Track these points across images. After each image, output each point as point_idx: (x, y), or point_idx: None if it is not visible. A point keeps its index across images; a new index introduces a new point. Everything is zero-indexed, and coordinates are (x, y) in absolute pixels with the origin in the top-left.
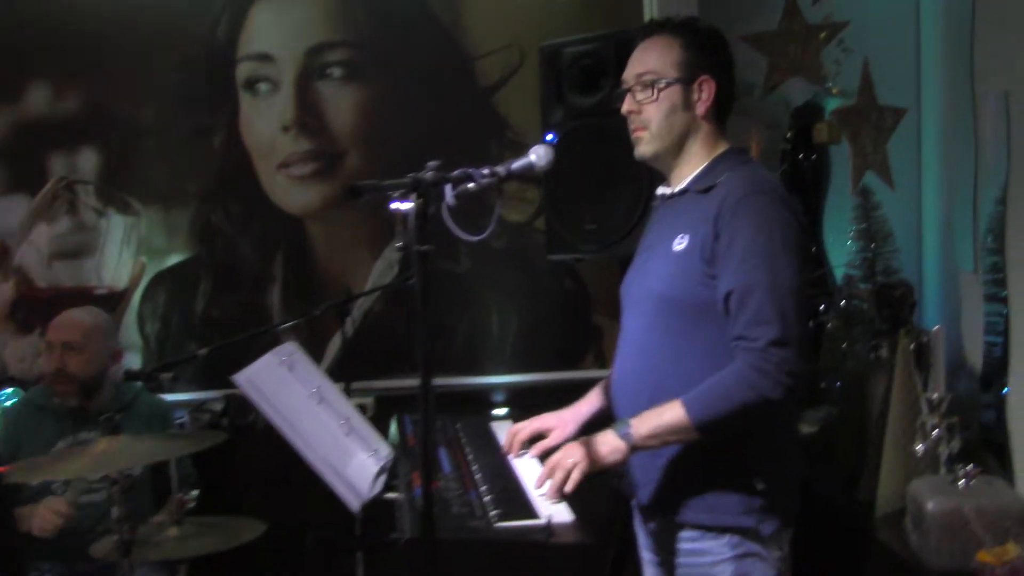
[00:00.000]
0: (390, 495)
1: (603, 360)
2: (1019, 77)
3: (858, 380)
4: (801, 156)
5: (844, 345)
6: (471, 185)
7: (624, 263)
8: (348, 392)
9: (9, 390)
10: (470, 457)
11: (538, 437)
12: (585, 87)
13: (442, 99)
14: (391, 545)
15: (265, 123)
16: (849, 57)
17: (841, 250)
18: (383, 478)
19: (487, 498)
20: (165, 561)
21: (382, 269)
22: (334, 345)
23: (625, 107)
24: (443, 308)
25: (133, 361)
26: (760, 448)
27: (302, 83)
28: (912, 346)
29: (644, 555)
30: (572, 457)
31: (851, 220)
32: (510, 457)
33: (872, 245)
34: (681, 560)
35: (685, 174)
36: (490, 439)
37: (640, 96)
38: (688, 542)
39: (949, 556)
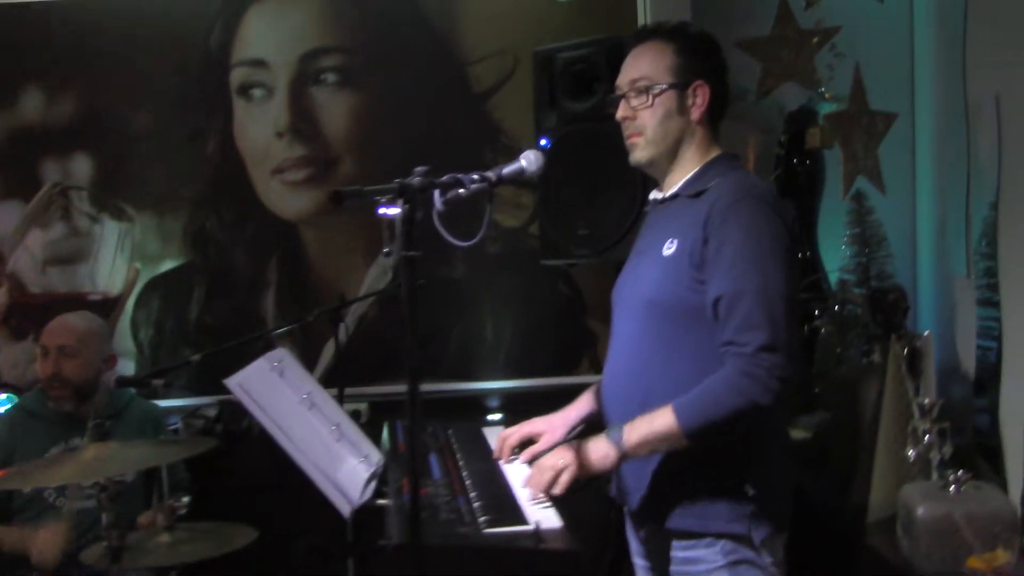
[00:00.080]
0: (381, 501)
1: (598, 365)
2: (1011, 81)
3: (851, 385)
4: (795, 161)
5: (838, 350)
6: (461, 191)
7: (618, 268)
8: (342, 398)
9: (3, 396)
10: (461, 463)
11: (528, 442)
12: (578, 92)
13: (436, 105)
14: (381, 551)
15: (259, 129)
16: (841, 62)
17: (835, 255)
18: (374, 484)
19: (476, 504)
20: (156, 568)
21: (376, 275)
22: (328, 351)
23: (620, 113)
24: (438, 313)
25: (127, 367)
26: (750, 453)
27: (296, 89)
28: (904, 351)
29: (637, 562)
30: (562, 459)
31: (845, 225)
32: (500, 462)
33: (866, 250)
34: (674, 568)
35: (677, 179)
36: (482, 445)
37: (635, 102)
38: (681, 550)
39: (939, 561)
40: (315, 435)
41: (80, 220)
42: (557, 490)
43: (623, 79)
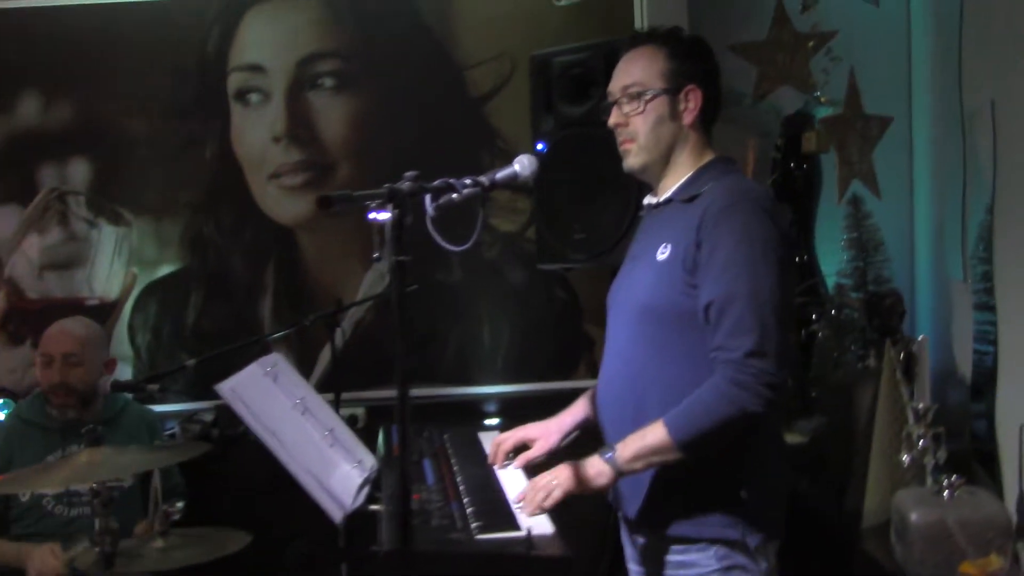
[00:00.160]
0: (373, 507)
1: (595, 369)
2: (1006, 86)
3: (847, 390)
4: (792, 165)
5: (835, 354)
6: (454, 195)
7: (614, 272)
8: (339, 403)
9: (0, 401)
10: (455, 468)
11: (523, 447)
12: (575, 97)
13: (433, 109)
14: (373, 557)
15: (256, 134)
16: (837, 66)
17: (833, 259)
18: (367, 490)
19: (469, 510)
20: (150, 573)
21: (373, 279)
22: (325, 355)
23: (612, 120)
24: (435, 317)
25: (124, 372)
26: (746, 459)
27: (293, 94)
28: (900, 355)
29: (631, 567)
30: (556, 479)
31: (842, 229)
32: (495, 467)
33: (863, 254)
34: (668, 573)
35: (671, 184)
36: (477, 450)
37: (627, 108)
38: (675, 555)
39: (933, 567)
40: (308, 440)
41: (77, 225)
42: (549, 504)
43: (615, 85)
